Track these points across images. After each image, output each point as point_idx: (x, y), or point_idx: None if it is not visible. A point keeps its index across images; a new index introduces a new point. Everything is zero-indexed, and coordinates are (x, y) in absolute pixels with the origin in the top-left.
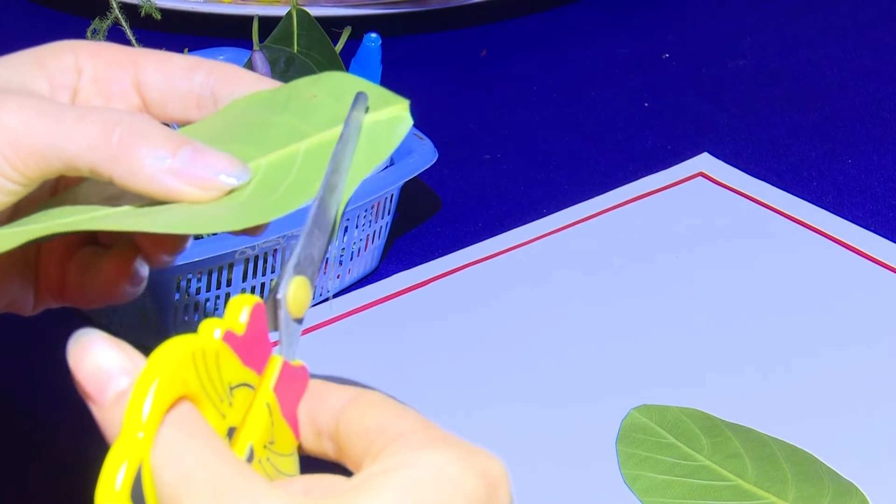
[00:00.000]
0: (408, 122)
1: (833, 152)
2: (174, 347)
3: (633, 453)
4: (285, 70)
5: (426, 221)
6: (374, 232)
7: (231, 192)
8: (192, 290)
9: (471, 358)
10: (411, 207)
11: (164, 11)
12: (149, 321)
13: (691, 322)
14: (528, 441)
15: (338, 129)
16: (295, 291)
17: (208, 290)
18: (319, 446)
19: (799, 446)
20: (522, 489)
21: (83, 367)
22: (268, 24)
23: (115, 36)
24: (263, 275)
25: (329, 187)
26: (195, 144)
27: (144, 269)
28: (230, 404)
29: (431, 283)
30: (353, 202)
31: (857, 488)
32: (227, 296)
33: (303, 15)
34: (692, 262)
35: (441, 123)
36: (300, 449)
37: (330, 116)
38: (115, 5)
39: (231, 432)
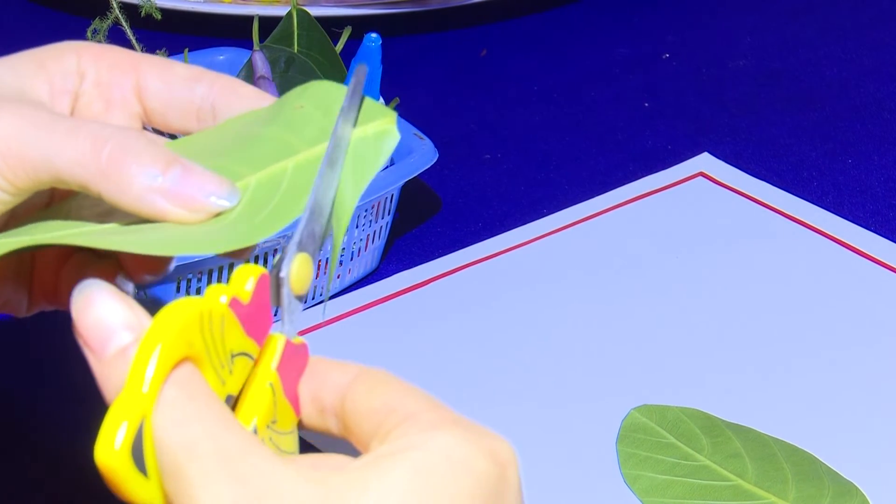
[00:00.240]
0: (395, 136)
1: (833, 152)
2: (182, 307)
3: (633, 453)
4: (285, 70)
5: (426, 221)
6: (375, 232)
7: (218, 213)
8: (193, 290)
9: (471, 358)
10: (411, 207)
11: (164, 11)
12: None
13: (691, 322)
14: (528, 441)
15: (325, 145)
16: (298, 269)
17: None
18: (323, 423)
19: (799, 446)
20: (523, 489)
21: (86, 318)
22: (268, 24)
23: (116, 36)
24: None
25: (316, 211)
26: (186, 164)
27: (128, 286)
28: (230, 372)
29: (431, 283)
30: None
31: (857, 488)
32: None
33: (303, 15)
34: (692, 262)
35: (441, 123)
36: (300, 425)
37: (318, 130)
38: (115, 5)
39: (229, 400)
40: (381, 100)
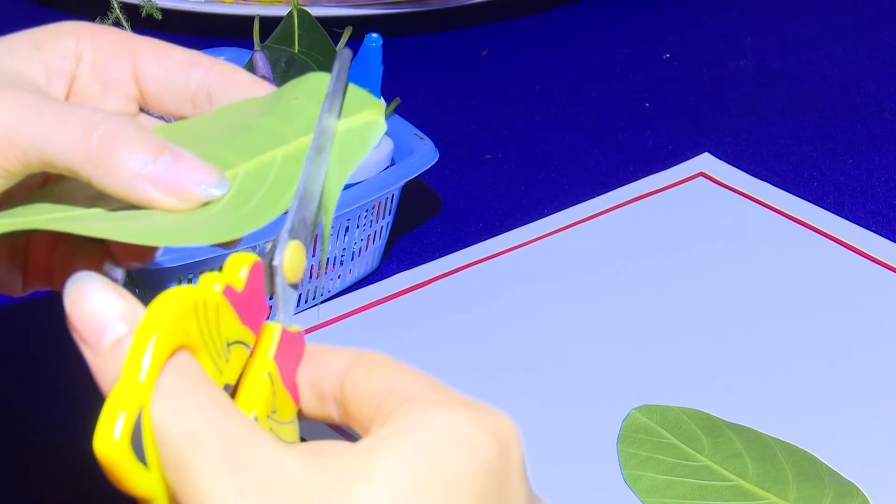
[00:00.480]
0: (382, 126)
1: (834, 152)
2: (176, 296)
3: (634, 453)
4: (286, 70)
5: (427, 221)
6: (375, 232)
7: (207, 201)
8: None
9: (471, 358)
10: (412, 207)
11: (165, 11)
12: None
13: (692, 322)
14: (529, 441)
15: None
16: (291, 257)
17: None
18: (323, 410)
19: (800, 446)
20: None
21: (80, 311)
22: (269, 24)
23: None
24: None
25: (305, 198)
26: (176, 151)
27: (116, 272)
28: (227, 360)
29: (432, 284)
30: (355, 202)
31: (857, 489)
32: None
33: (304, 15)
34: (693, 263)
35: (442, 123)
36: (301, 414)
37: (308, 120)
38: (116, 5)
39: (227, 388)
40: (382, 100)
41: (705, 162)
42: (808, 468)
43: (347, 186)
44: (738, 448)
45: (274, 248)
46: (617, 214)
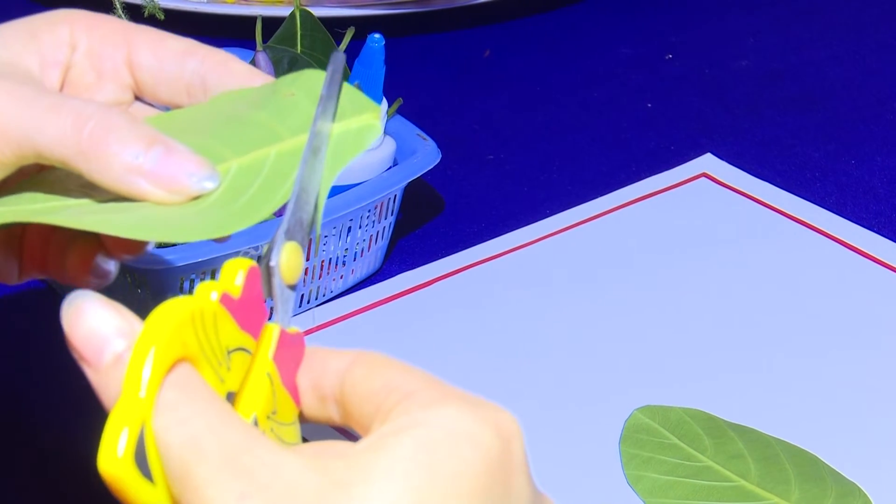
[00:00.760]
0: (377, 130)
1: (836, 153)
2: (173, 308)
3: (636, 454)
4: (289, 70)
5: (429, 222)
6: (378, 232)
7: (198, 195)
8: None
9: (474, 358)
10: (414, 208)
11: (167, 11)
12: None
13: (694, 323)
14: (531, 441)
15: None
16: (287, 258)
17: None
18: (324, 412)
19: (802, 447)
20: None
21: (78, 331)
22: (271, 24)
23: None
24: None
25: (301, 199)
26: (168, 143)
27: (108, 264)
28: (228, 368)
29: (435, 284)
30: (357, 203)
31: (860, 489)
32: None
33: (306, 15)
34: (695, 263)
35: (444, 124)
36: (302, 417)
37: (304, 119)
38: (118, 5)
39: (230, 397)
40: (385, 100)
41: (707, 162)
42: (810, 468)
43: (350, 186)
44: (741, 448)
45: (270, 249)
46: (619, 215)
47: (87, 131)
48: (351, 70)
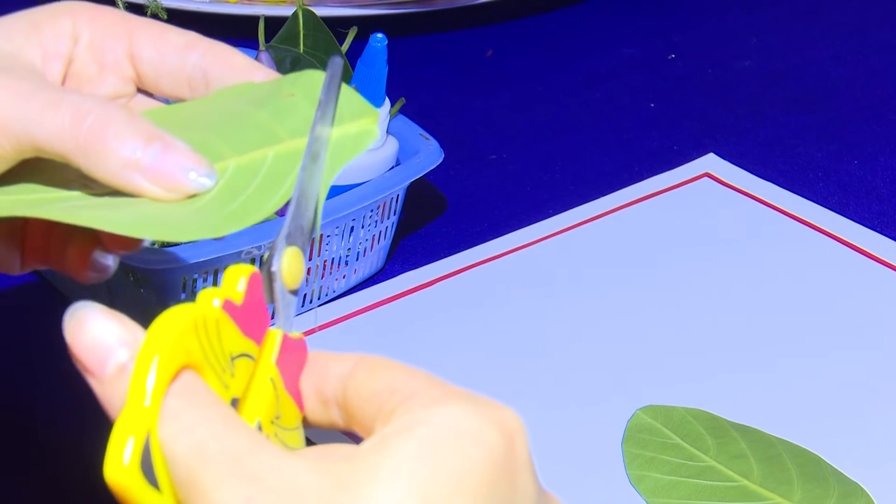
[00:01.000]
0: (375, 135)
1: (839, 153)
2: (175, 316)
3: (638, 454)
4: (291, 70)
5: (432, 222)
6: (380, 232)
7: (195, 193)
8: (199, 289)
9: (476, 358)
10: (417, 208)
11: (170, 11)
12: None
13: (697, 322)
14: (534, 441)
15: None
16: (289, 263)
17: None
18: (327, 416)
19: (804, 447)
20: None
21: (81, 342)
22: (274, 24)
23: None
24: None
25: (302, 204)
26: (166, 140)
27: (106, 259)
28: (232, 374)
29: (437, 284)
30: (360, 202)
31: (862, 489)
32: None
33: (309, 15)
34: (698, 263)
35: (446, 124)
36: (305, 421)
37: (302, 121)
38: (121, 5)
39: (234, 403)
40: (387, 100)
41: (710, 162)
42: (812, 468)
43: (352, 186)
44: (743, 448)
45: (272, 255)
46: (622, 215)
47: (86, 126)
48: (354, 69)
